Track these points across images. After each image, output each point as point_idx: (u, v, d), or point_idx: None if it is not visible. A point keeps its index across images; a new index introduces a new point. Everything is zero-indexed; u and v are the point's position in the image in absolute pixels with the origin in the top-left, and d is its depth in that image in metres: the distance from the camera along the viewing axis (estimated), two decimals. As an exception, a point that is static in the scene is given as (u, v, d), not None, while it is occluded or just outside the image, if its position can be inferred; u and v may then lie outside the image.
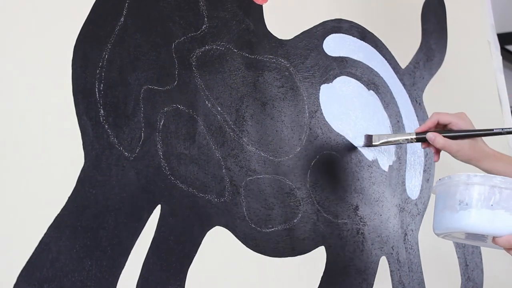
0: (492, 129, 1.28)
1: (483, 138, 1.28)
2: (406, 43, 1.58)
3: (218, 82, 1.13)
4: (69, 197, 0.90)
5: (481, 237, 1.07)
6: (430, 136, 1.26)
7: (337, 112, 1.33)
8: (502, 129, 1.30)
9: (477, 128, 1.28)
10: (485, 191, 1.00)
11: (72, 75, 0.94)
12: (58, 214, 0.89)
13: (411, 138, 1.30)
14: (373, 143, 1.34)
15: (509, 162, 1.26)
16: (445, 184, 1.04)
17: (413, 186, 1.49)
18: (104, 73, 0.97)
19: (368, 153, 1.38)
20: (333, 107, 1.33)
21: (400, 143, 1.35)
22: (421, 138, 1.29)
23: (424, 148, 1.32)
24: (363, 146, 1.35)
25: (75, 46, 0.95)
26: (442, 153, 1.49)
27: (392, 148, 1.44)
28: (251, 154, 1.15)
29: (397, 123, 1.47)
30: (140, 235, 0.97)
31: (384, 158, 1.42)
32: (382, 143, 1.34)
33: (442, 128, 1.28)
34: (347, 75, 1.39)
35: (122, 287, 0.93)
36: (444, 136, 1.25)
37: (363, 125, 1.39)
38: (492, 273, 1.66)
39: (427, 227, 1.49)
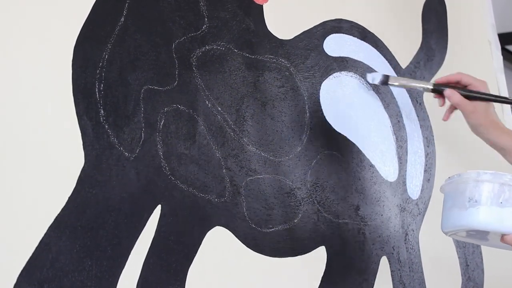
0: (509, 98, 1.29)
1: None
2: (406, 43, 1.58)
3: (219, 82, 1.13)
4: (69, 197, 0.90)
5: (486, 236, 1.06)
6: (448, 92, 1.26)
7: (337, 112, 1.33)
8: None
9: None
10: (494, 189, 1.00)
11: (72, 75, 0.94)
12: (58, 214, 0.89)
13: (427, 87, 1.30)
14: (389, 83, 1.33)
15: None
16: (454, 181, 1.04)
17: (414, 186, 1.49)
18: (104, 73, 0.97)
19: (369, 154, 1.38)
20: (333, 107, 1.33)
21: (416, 89, 1.33)
22: (437, 90, 1.29)
23: (435, 97, 1.32)
24: (378, 83, 1.34)
25: (75, 46, 0.95)
26: (445, 155, 1.49)
27: (393, 148, 1.44)
28: (251, 154, 1.15)
29: (397, 123, 1.47)
30: (140, 235, 0.97)
31: (385, 158, 1.42)
32: (398, 85, 1.33)
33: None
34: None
35: (122, 287, 0.93)
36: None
37: (364, 124, 1.39)
38: (492, 273, 1.66)
39: (428, 227, 1.49)
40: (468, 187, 1.02)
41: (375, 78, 1.34)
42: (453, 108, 1.30)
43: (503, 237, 1.00)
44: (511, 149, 1.26)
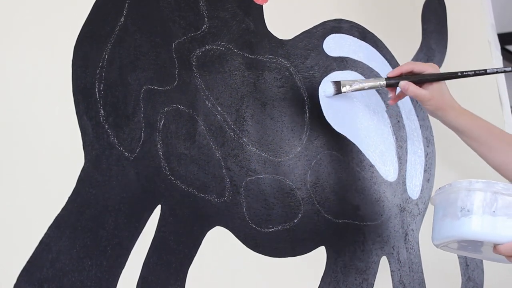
0: (457, 72, 1.29)
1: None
2: (406, 43, 1.58)
3: (218, 82, 1.13)
4: (69, 197, 0.90)
5: (479, 247, 1.05)
6: (403, 84, 1.26)
7: (337, 112, 1.33)
8: (474, 71, 1.30)
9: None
10: (487, 198, 0.97)
11: (72, 75, 0.94)
12: (58, 214, 0.89)
13: (381, 84, 1.29)
14: (342, 91, 1.30)
15: (473, 117, 1.28)
16: (445, 191, 1.01)
17: (414, 186, 1.49)
18: (104, 73, 0.97)
19: (369, 154, 1.38)
20: (333, 107, 1.33)
21: (371, 88, 1.31)
22: (391, 84, 1.28)
23: (390, 96, 1.32)
24: (333, 95, 1.31)
25: (75, 46, 0.95)
26: (445, 155, 1.48)
27: (393, 148, 1.44)
28: (251, 154, 1.15)
29: (397, 123, 1.47)
30: (140, 235, 0.97)
31: (385, 158, 1.42)
32: (351, 90, 1.30)
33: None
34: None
35: (122, 287, 0.93)
36: (415, 82, 1.26)
37: (363, 124, 1.39)
38: (492, 273, 1.66)
39: (428, 227, 1.48)
40: (459, 196, 0.99)
41: (327, 91, 1.31)
42: (403, 95, 1.31)
43: (495, 247, 0.97)
44: (467, 130, 1.27)
